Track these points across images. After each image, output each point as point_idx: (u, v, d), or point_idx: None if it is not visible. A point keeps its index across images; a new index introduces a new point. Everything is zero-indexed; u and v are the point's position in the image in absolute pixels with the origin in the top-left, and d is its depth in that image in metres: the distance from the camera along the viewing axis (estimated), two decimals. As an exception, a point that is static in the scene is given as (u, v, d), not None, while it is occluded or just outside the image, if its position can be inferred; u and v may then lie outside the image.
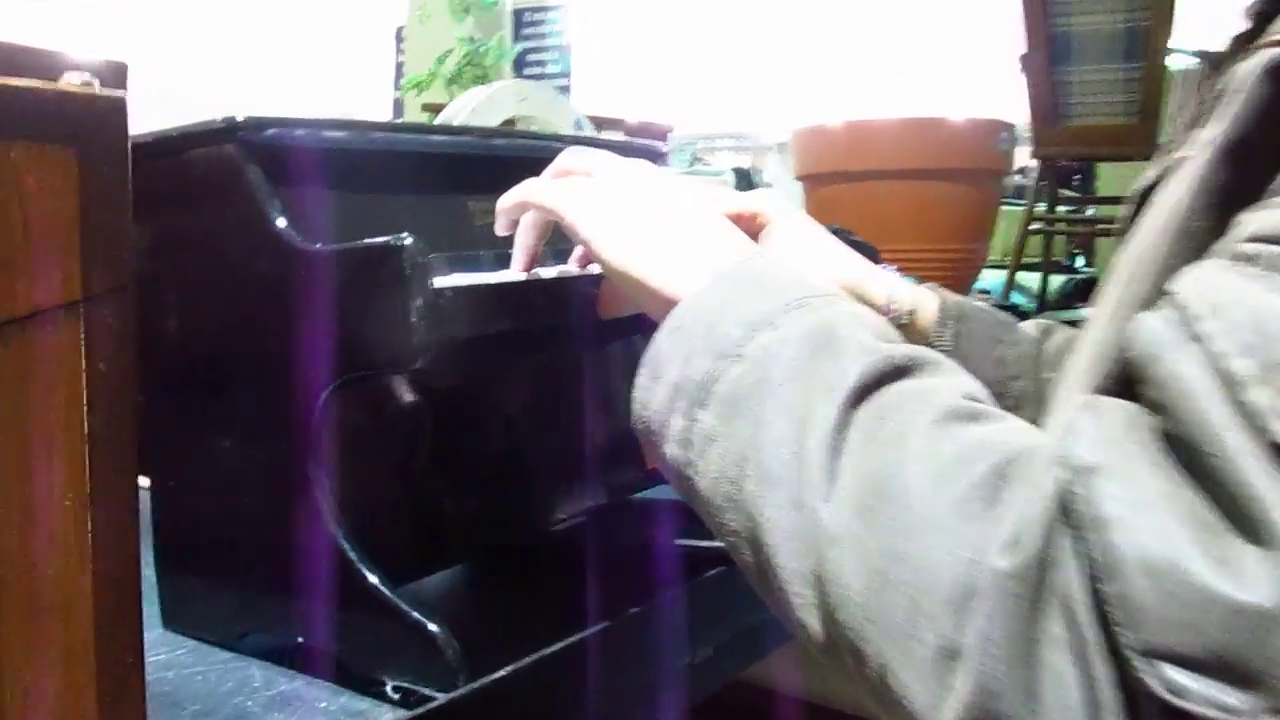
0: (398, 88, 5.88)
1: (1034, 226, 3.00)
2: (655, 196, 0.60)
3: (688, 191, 0.61)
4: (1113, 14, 2.68)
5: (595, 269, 0.69)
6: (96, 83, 0.40)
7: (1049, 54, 2.77)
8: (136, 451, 0.41)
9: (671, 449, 0.51)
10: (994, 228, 2.04)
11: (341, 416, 0.62)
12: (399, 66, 6.17)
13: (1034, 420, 0.77)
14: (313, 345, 0.60)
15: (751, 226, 0.72)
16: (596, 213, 0.60)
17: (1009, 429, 0.43)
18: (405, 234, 0.56)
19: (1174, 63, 2.74)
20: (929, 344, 0.75)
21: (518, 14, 5.76)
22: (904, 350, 0.48)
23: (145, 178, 0.71)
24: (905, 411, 0.44)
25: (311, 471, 0.61)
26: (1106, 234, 3.68)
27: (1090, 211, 3.56)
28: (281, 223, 0.61)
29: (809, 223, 0.76)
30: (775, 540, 0.44)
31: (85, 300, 0.39)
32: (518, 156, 0.77)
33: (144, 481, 0.62)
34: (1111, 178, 3.74)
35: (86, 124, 0.39)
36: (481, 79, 4.59)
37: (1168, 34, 2.63)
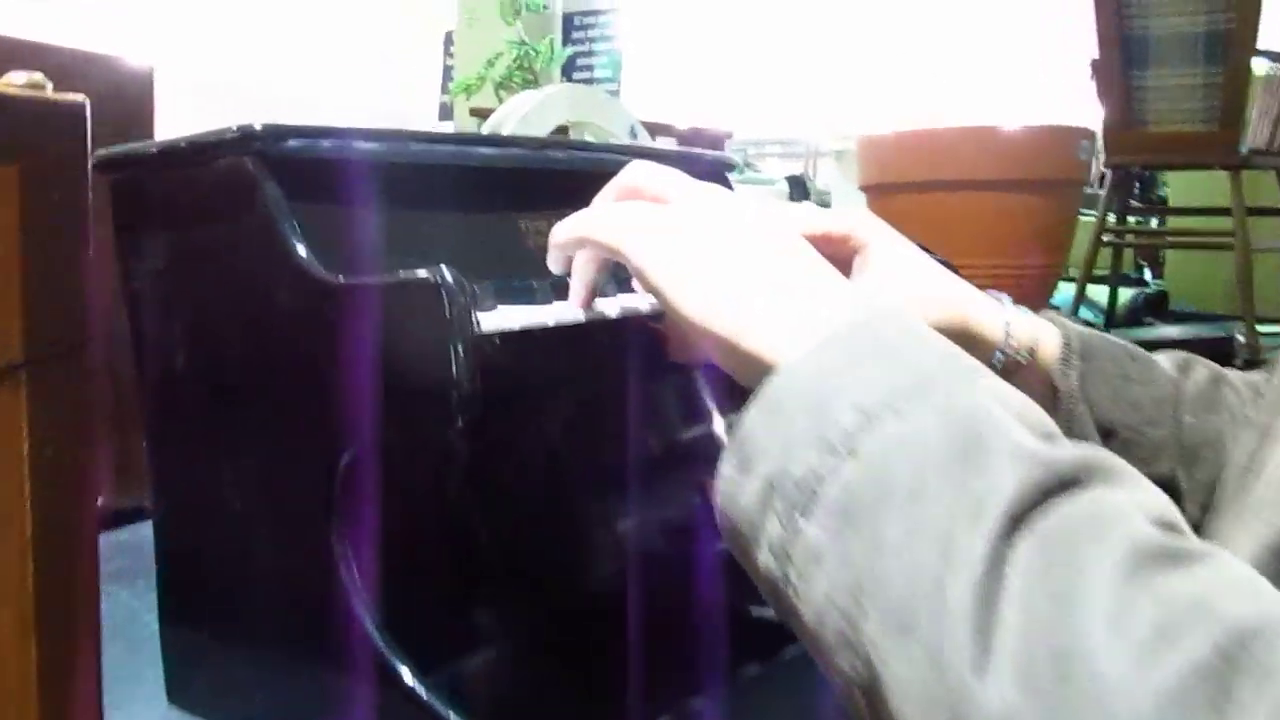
0: (445, 91, 5.82)
1: (1105, 238, 2.87)
2: (740, 234, 0.50)
3: (775, 221, 0.51)
4: (1193, 15, 2.54)
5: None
6: (49, 85, 0.31)
7: (1124, 56, 2.64)
8: (94, 552, 0.32)
9: (765, 559, 0.41)
10: (1072, 240, 1.92)
11: (370, 479, 0.53)
12: (447, 70, 6.12)
13: (1172, 475, 0.66)
14: (334, 396, 0.51)
15: (840, 251, 0.61)
16: (668, 256, 0.50)
17: (1227, 581, 0.32)
18: (444, 266, 0.47)
19: (1258, 66, 2.60)
20: (1051, 386, 0.65)
21: (567, 18, 5.68)
22: (1070, 455, 0.37)
23: (153, 191, 0.63)
24: (1081, 549, 0.33)
25: (336, 543, 0.52)
26: (1176, 246, 3.53)
27: (1154, 223, 3.41)
28: (300, 249, 0.52)
29: (908, 246, 0.65)
30: (906, 706, 0.34)
31: (28, 364, 0.30)
32: (575, 170, 0.67)
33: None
34: (1181, 187, 3.59)
35: (30, 135, 0.29)
36: (531, 83, 4.51)
37: (1254, 36, 2.48)
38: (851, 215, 0.64)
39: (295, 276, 0.52)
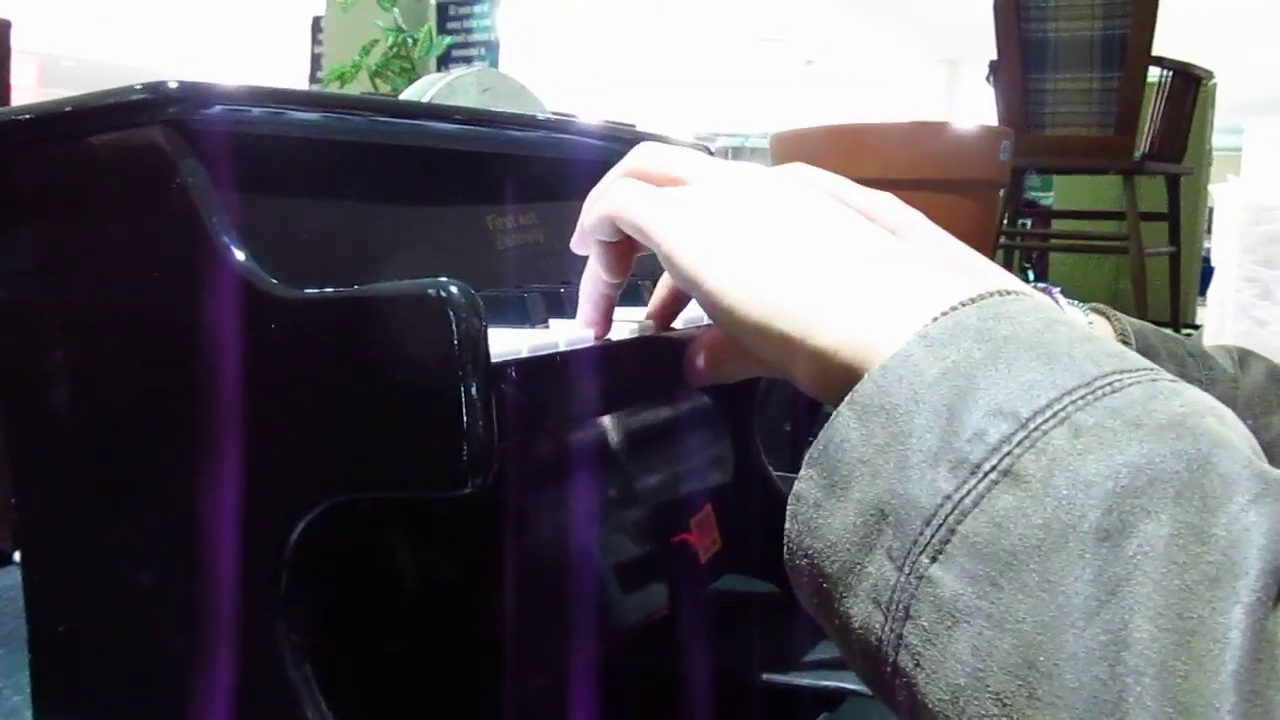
0: (314, 80, 5.59)
1: (1000, 241, 2.87)
2: (789, 211, 0.39)
3: (820, 195, 0.41)
4: (1091, 20, 2.55)
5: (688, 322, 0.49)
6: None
7: (1023, 60, 2.63)
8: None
9: (864, 612, 0.30)
10: (993, 241, 1.88)
11: (333, 555, 0.40)
12: (316, 58, 5.88)
13: None
14: (284, 446, 0.38)
15: None
16: (706, 245, 0.39)
17: None
18: (444, 279, 0.35)
19: (1151, 74, 2.62)
20: None
21: (442, 6, 5.51)
22: None
23: (22, 172, 0.49)
24: None
25: (284, 637, 0.39)
26: (1070, 250, 3.57)
27: (1027, 224, 3.45)
28: (236, 252, 0.39)
29: (944, 232, 0.55)
30: None
31: None
32: (561, 157, 0.55)
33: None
34: (1069, 192, 3.64)
35: None
36: (409, 71, 4.34)
37: (1149, 42, 2.50)
38: (884, 197, 0.54)
39: (229, 287, 0.39)
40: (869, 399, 0.31)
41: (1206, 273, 4.08)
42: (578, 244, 0.45)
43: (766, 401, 0.75)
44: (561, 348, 0.41)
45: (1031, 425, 0.28)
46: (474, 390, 0.34)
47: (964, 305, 0.32)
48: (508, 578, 0.53)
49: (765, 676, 0.59)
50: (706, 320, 0.46)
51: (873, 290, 0.35)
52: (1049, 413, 0.28)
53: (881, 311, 0.34)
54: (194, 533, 0.42)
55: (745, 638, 0.63)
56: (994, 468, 0.28)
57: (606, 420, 0.56)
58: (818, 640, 0.63)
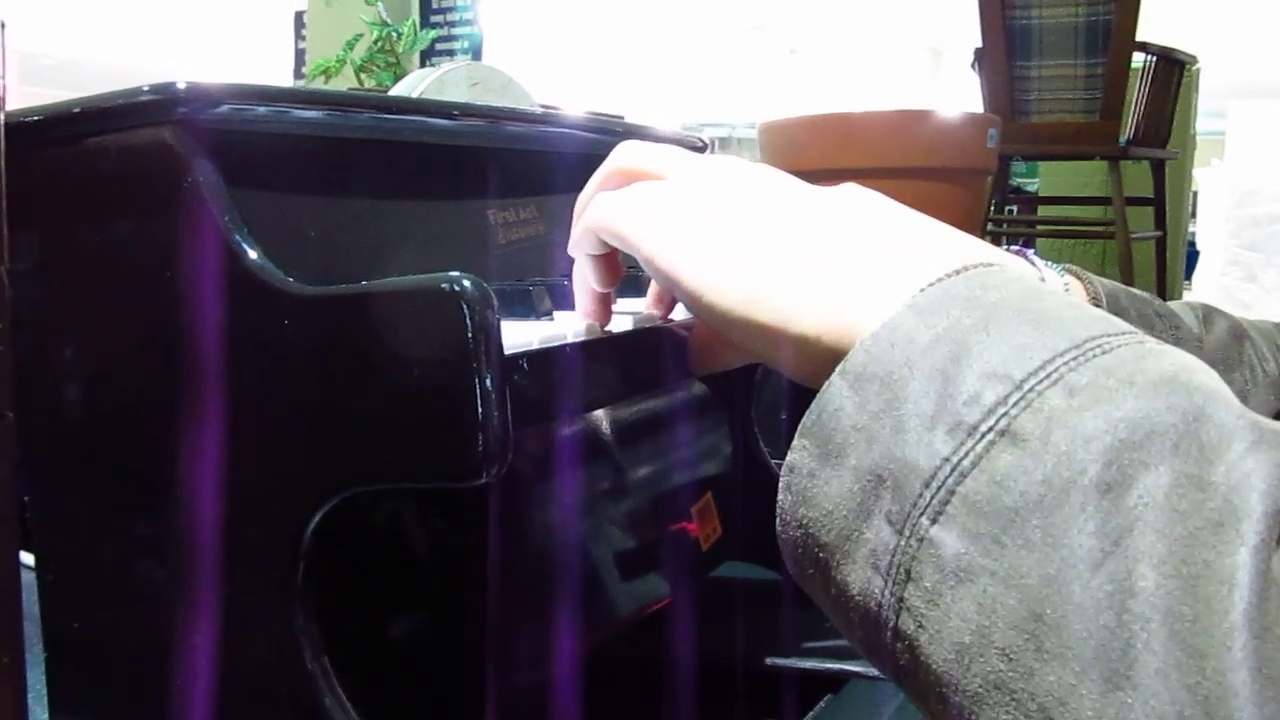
0: (299, 75, 5.57)
1: (988, 228, 2.88)
2: (766, 199, 0.39)
3: (796, 182, 0.41)
4: (1075, 6, 2.56)
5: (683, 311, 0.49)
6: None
7: (1008, 47, 2.64)
8: None
9: (863, 577, 0.30)
10: (982, 230, 1.89)
11: (348, 546, 0.41)
12: (299, 53, 5.86)
13: None
14: (301, 438, 0.39)
15: None
16: (682, 237, 0.39)
17: None
18: (456, 273, 0.35)
19: (1135, 59, 2.64)
20: None
21: (425, 1, 5.50)
22: None
23: (35, 172, 0.49)
24: None
25: (301, 629, 0.40)
26: (1057, 235, 3.59)
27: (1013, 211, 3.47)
28: (250, 251, 0.40)
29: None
30: None
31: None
32: (562, 151, 0.56)
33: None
34: (1054, 178, 3.65)
35: None
36: (394, 66, 4.33)
37: (1134, 28, 2.51)
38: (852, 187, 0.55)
39: (243, 285, 0.39)
40: (861, 367, 0.31)
41: (1192, 257, 4.11)
42: (573, 251, 0.46)
43: (763, 390, 0.76)
44: (570, 339, 0.42)
45: (1026, 386, 0.29)
46: (489, 382, 0.34)
47: (950, 276, 0.33)
48: (509, 568, 0.54)
49: (769, 661, 0.60)
50: None
51: (852, 270, 0.35)
52: (1042, 374, 0.29)
53: (863, 290, 0.34)
54: (211, 528, 0.42)
55: (747, 624, 0.64)
56: (991, 428, 0.28)
57: (609, 411, 0.57)
58: (818, 625, 0.64)
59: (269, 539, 0.41)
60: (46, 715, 0.52)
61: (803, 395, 0.33)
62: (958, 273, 0.33)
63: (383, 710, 0.44)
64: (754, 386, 0.72)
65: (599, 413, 0.56)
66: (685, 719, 0.55)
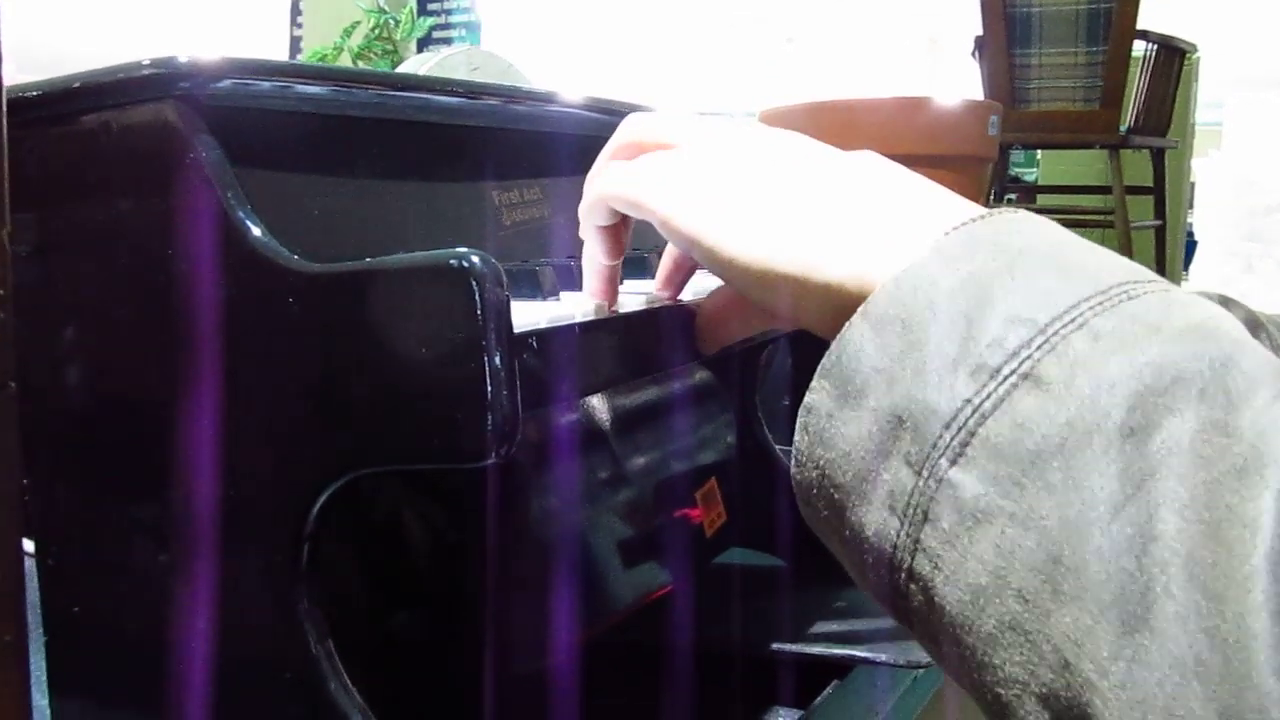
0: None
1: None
2: (779, 156, 0.39)
3: (809, 141, 0.41)
4: (1076, -7, 2.55)
5: (696, 291, 0.49)
6: None
7: (1008, 35, 2.63)
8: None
9: (879, 519, 0.30)
10: (982, 220, 1.88)
11: (353, 527, 0.40)
12: (295, 40, 5.84)
13: None
14: (306, 418, 0.38)
15: None
16: (699, 198, 0.39)
17: None
18: (465, 249, 0.35)
19: (1135, 47, 2.63)
20: None
21: (420, -12, 5.47)
22: None
23: (34, 149, 0.49)
24: None
25: (306, 611, 0.40)
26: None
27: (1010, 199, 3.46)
28: (254, 229, 0.39)
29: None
30: None
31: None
32: (567, 132, 0.55)
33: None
34: (1053, 167, 3.65)
35: None
36: (391, 53, 4.31)
37: (1134, 16, 2.51)
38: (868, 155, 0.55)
39: (247, 263, 0.39)
40: (884, 309, 0.31)
41: (1189, 247, 4.11)
42: (583, 220, 0.46)
43: (767, 376, 0.76)
44: (579, 319, 0.41)
45: (1050, 330, 0.28)
46: (498, 360, 0.34)
47: (975, 221, 0.32)
48: (512, 553, 0.53)
49: (775, 646, 0.59)
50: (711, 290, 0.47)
51: (876, 219, 0.35)
52: (1067, 318, 0.28)
53: (887, 237, 0.34)
54: (215, 510, 0.42)
55: (752, 610, 0.63)
56: (1014, 371, 0.28)
57: (614, 395, 0.57)
58: (824, 611, 0.63)
59: (273, 521, 0.40)
60: (46, 700, 0.51)
61: (806, 382, 0.33)
62: (983, 218, 0.33)
63: (383, 696, 0.43)
64: (758, 372, 0.72)
65: (603, 398, 0.56)
66: (689, 705, 0.55)
